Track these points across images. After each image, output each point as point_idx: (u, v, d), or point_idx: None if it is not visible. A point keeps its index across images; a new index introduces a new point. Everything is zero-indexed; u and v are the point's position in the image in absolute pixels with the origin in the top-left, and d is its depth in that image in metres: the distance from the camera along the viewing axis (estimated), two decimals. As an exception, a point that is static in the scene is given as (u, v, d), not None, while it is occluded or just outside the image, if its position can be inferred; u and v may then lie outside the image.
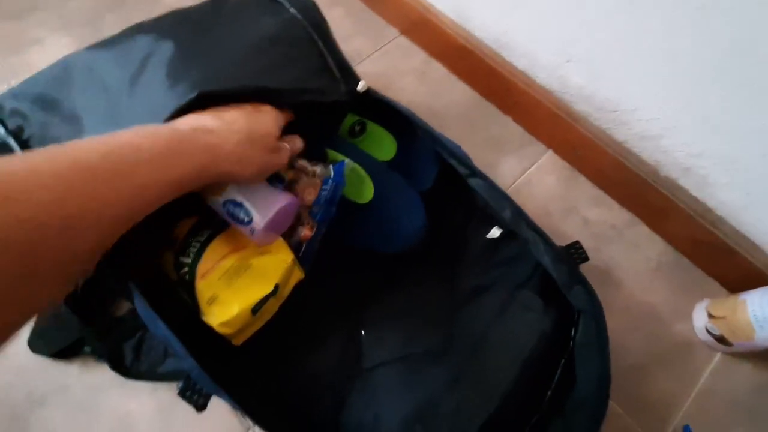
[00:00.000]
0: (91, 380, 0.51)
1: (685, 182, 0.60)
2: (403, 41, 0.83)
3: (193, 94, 0.36)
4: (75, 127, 0.40)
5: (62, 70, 0.43)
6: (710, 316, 0.58)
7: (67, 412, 0.50)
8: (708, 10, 0.45)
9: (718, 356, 0.59)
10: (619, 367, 0.56)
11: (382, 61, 0.80)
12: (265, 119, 0.38)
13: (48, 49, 0.74)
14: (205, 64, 0.41)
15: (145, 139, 0.29)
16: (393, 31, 0.84)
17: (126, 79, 0.40)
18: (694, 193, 0.60)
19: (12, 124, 0.40)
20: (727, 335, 0.56)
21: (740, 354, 0.58)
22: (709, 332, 0.58)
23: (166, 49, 0.41)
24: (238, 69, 0.41)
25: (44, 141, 0.40)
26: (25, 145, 0.39)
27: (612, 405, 0.55)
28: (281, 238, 0.44)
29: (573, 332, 0.47)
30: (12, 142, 0.39)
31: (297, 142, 0.42)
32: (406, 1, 0.78)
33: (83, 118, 0.40)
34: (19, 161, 0.23)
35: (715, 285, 0.64)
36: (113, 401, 0.51)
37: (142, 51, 0.42)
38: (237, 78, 0.40)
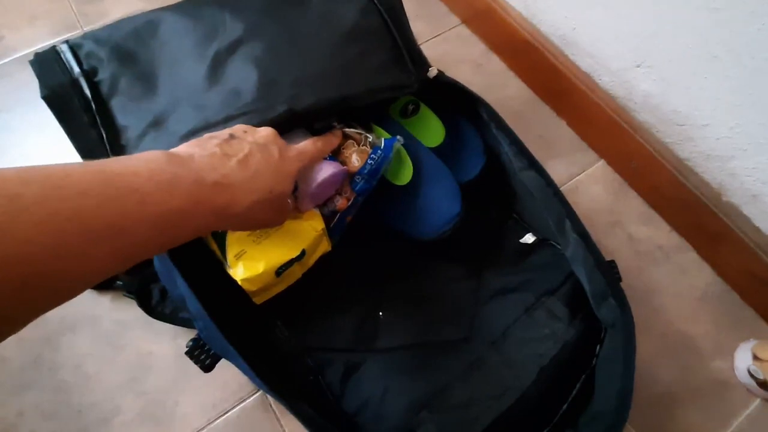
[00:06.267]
0: (120, 316, 0.54)
1: (749, 210, 0.55)
2: (464, 30, 0.81)
3: (284, 108, 0.39)
4: (147, 87, 0.40)
5: (145, 26, 0.43)
6: (755, 357, 0.54)
7: (94, 342, 0.53)
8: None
9: (756, 402, 0.55)
10: (645, 393, 0.53)
11: (439, 47, 0.79)
12: (288, 175, 0.34)
13: (123, 0, 0.77)
14: (292, 67, 0.42)
15: (158, 192, 0.25)
16: (454, 20, 0.82)
17: (209, 57, 0.41)
18: (758, 223, 0.55)
19: (87, 65, 0.41)
20: (771, 381, 0.52)
21: (782, 404, 0.54)
22: (751, 375, 0.54)
23: (256, 42, 0.42)
24: (321, 73, 0.43)
25: (113, 91, 0.40)
26: (95, 87, 0.40)
27: (629, 429, 0.52)
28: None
29: (597, 349, 0.45)
30: (83, 81, 0.40)
31: (304, 204, 0.42)
32: (473, -11, 0.76)
33: (158, 84, 0.41)
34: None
35: (764, 326, 0.59)
36: (137, 340, 0.53)
37: (231, 34, 0.42)
38: (320, 81, 0.42)
